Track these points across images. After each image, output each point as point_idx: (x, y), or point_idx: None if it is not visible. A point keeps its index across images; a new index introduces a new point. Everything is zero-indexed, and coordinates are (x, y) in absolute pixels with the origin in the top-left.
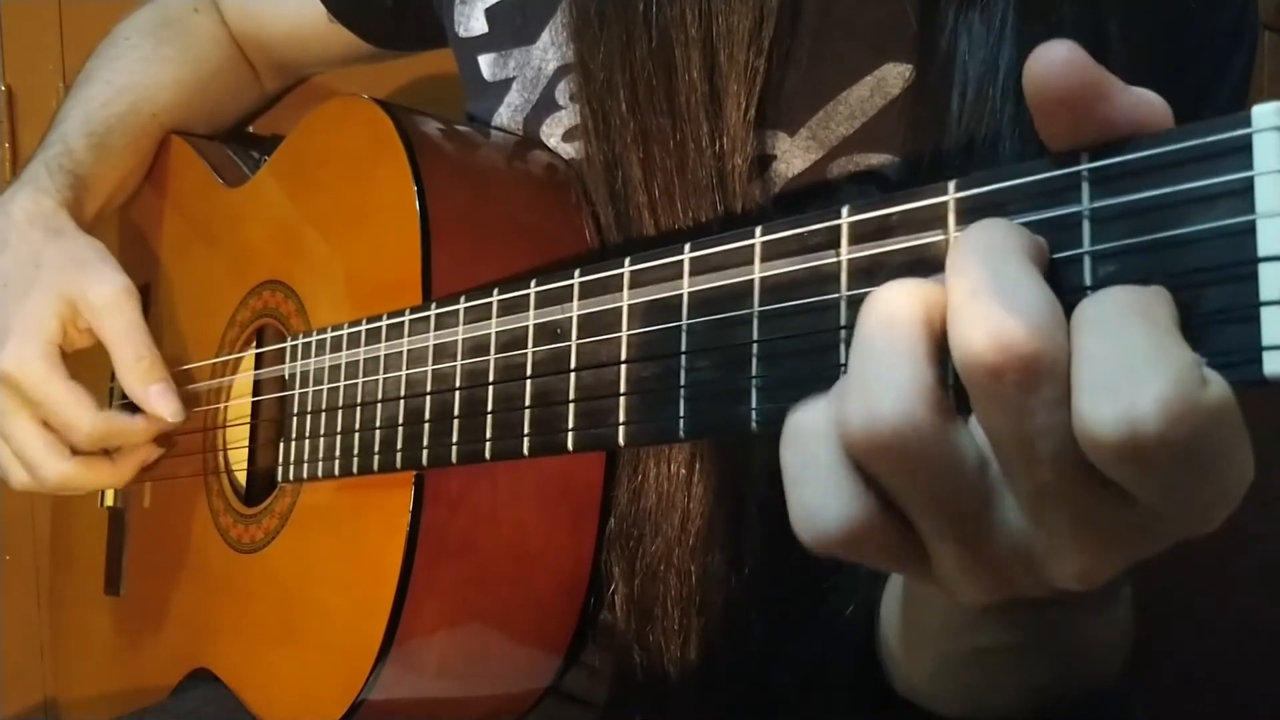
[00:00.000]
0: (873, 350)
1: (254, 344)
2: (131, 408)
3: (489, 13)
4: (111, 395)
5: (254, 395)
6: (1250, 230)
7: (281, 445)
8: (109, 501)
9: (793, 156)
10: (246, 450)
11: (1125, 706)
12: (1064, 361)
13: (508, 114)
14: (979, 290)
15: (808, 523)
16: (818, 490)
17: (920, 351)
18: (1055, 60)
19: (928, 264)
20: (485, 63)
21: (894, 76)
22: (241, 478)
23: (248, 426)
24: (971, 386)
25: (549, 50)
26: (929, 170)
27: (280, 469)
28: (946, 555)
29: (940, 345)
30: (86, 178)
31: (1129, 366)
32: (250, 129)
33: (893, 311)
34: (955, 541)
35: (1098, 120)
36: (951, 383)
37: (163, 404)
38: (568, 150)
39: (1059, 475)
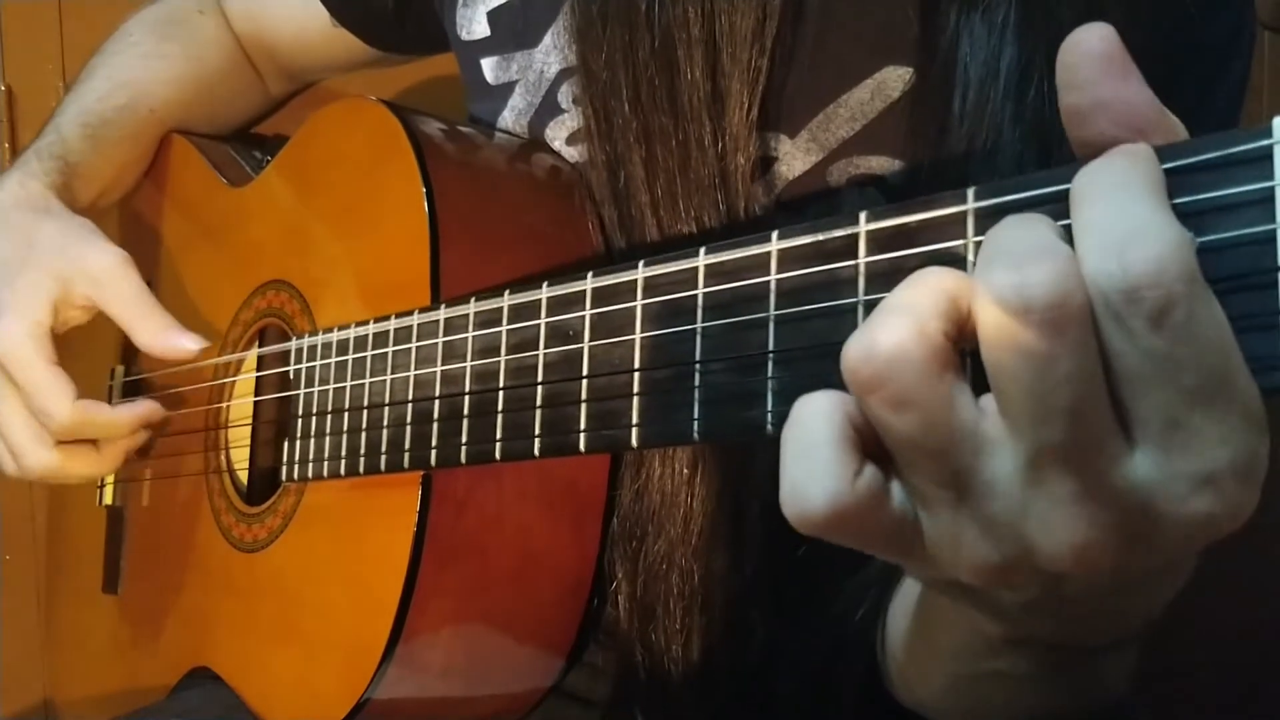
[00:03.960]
0: (891, 298)
1: (257, 343)
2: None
3: (491, 16)
4: (111, 392)
5: (256, 395)
6: (1271, 239)
7: (286, 444)
8: (107, 500)
9: (793, 158)
10: (248, 449)
11: (1130, 713)
12: (1087, 305)
13: (511, 117)
14: (1006, 245)
15: (793, 499)
16: (809, 466)
17: (930, 303)
18: (1092, 33)
19: None
20: (488, 66)
21: (894, 79)
22: (243, 477)
23: (249, 426)
24: (994, 335)
25: (551, 53)
26: (929, 173)
27: (284, 468)
28: (938, 518)
29: (959, 321)
30: (77, 165)
31: (1138, 225)
32: (253, 129)
33: (922, 277)
34: (945, 497)
35: (1104, 94)
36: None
37: (186, 342)
38: (571, 154)
39: (1070, 428)
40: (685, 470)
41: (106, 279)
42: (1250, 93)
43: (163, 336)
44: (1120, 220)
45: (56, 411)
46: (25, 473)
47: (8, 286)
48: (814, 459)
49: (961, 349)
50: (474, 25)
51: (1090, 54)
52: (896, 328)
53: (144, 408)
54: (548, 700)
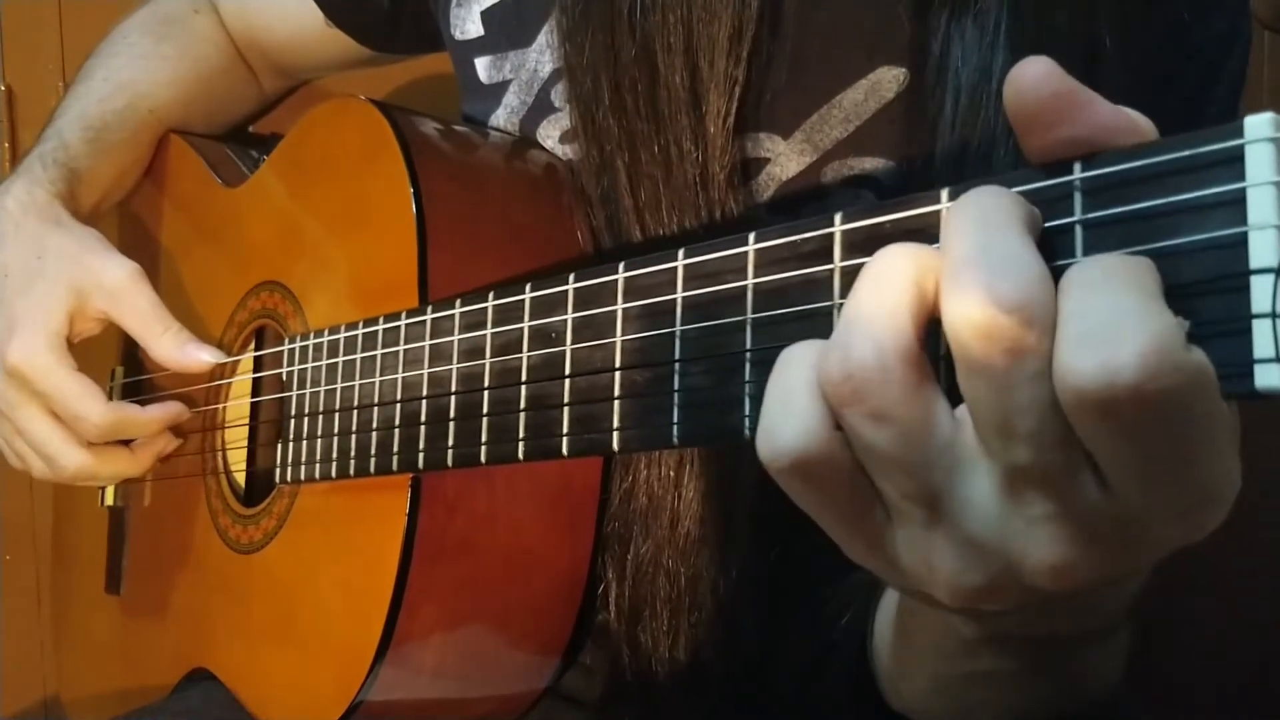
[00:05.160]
0: (859, 301)
1: (253, 344)
2: (136, 402)
3: (485, 15)
4: (110, 393)
5: (252, 396)
6: (1243, 242)
7: (279, 446)
8: (109, 500)
9: (787, 160)
10: (245, 451)
11: (1127, 712)
12: (1052, 332)
13: (505, 115)
14: (975, 255)
15: (766, 438)
16: (784, 408)
17: (903, 307)
18: (1031, 74)
19: None
20: (481, 65)
21: (888, 80)
22: (240, 478)
23: (246, 427)
24: (960, 354)
25: (545, 52)
26: (922, 175)
27: (278, 470)
28: (911, 534)
29: (929, 313)
30: (81, 171)
31: (1112, 321)
32: (250, 128)
33: (885, 270)
34: (920, 515)
35: (1076, 132)
36: (943, 355)
37: (203, 355)
38: (565, 151)
39: (1037, 454)
40: (671, 473)
41: (121, 292)
42: (1251, 93)
43: (179, 351)
44: (1109, 317)
45: (90, 414)
46: (59, 475)
47: (21, 297)
48: (792, 402)
49: (936, 360)
50: (468, 25)
51: (1041, 97)
52: (873, 339)
53: (174, 408)
54: (543, 701)
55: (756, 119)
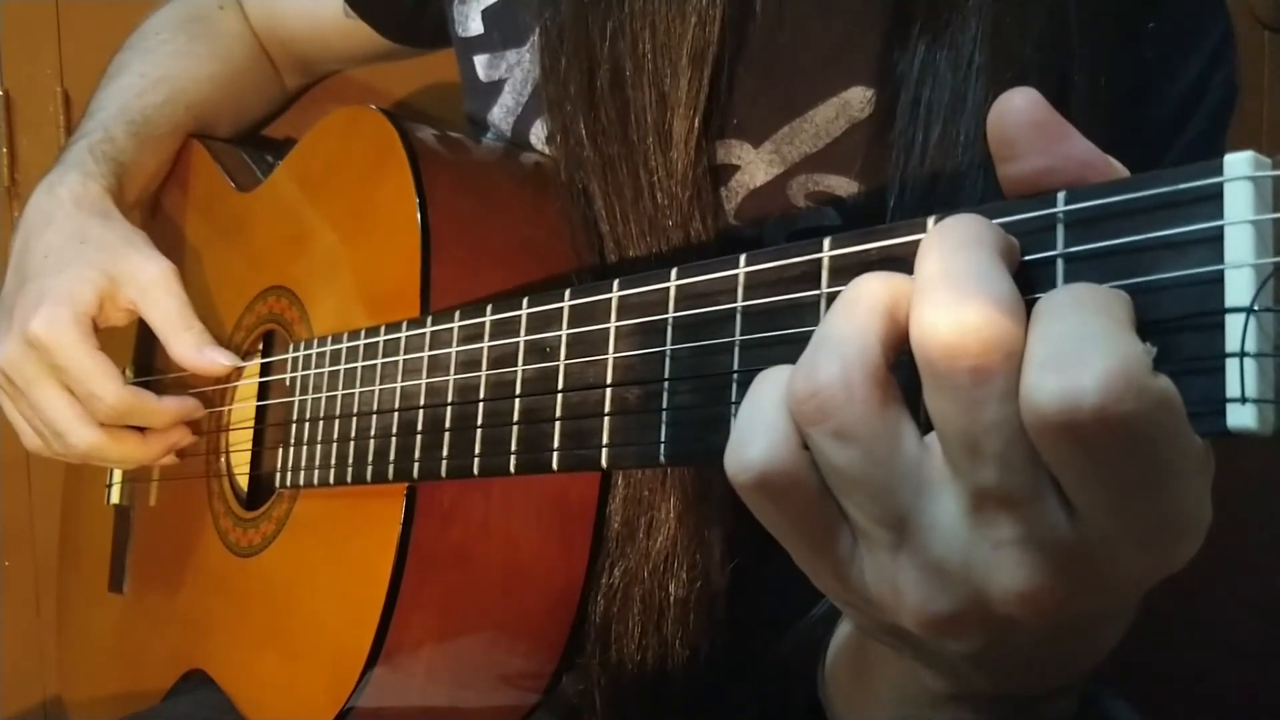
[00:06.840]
0: (829, 322)
1: (260, 348)
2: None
3: (485, 14)
4: None
5: (257, 400)
6: (1219, 279)
7: (281, 450)
8: (115, 499)
9: (756, 169)
10: (248, 454)
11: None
12: (1019, 354)
13: (500, 115)
14: (942, 273)
15: (733, 453)
16: (752, 425)
17: (871, 329)
18: (1016, 104)
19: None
20: (480, 63)
21: (860, 100)
22: (243, 481)
23: (250, 431)
24: (926, 371)
25: (538, 53)
26: (888, 199)
27: (279, 475)
28: (878, 559)
29: (900, 338)
30: (129, 165)
31: (1077, 345)
32: (264, 131)
33: (858, 294)
34: (886, 538)
35: (1050, 163)
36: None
37: (221, 357)
38: (552, 152)
39: (1004, 476)
40: (647, 492)
41: (153, 288)
42: (1251, 93)
43: (196, 352)
44: (1074, 342)
45: (106, 394)
46: (68, 451)
47: (55, 275)
48: (761, 418)
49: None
50: (470, 22)
51: (1021, 124)
52: (840, 358)
53: (189, 403)
54: (538, 713)
55: (728, 126)
